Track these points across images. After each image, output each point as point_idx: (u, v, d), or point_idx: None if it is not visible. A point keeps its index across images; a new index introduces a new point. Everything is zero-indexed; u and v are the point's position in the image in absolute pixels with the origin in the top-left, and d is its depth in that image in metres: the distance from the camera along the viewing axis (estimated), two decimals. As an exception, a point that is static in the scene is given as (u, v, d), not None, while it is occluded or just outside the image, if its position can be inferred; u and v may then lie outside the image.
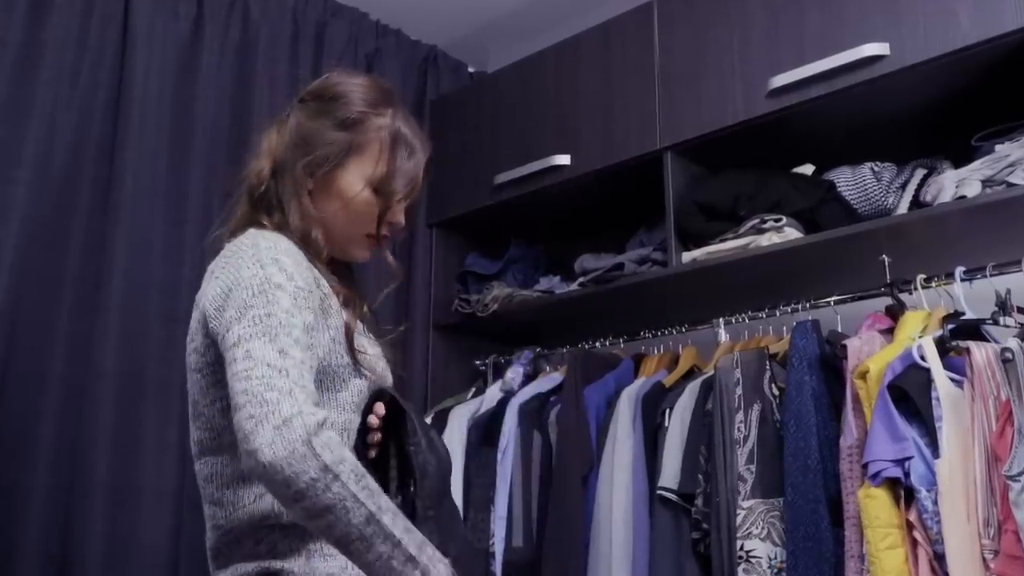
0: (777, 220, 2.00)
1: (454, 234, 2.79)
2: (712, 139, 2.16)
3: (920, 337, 1.85)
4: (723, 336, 2.23)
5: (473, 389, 2.65)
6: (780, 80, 2.01)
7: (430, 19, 2.93)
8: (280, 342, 1.07)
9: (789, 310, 2.13)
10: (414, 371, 2.64)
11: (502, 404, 2.42)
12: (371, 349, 1.30)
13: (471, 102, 2.76)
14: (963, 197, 1.78)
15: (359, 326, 1.31)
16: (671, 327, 2.33)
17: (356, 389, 1.23)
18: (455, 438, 2.38)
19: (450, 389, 2.67)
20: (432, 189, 2.75)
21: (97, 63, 2.16)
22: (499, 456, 2.30)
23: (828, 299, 2.06)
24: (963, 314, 1.84)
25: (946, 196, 1.80)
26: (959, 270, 1.88)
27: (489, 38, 3.08)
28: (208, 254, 1.29)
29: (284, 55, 2.54)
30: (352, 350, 1.23)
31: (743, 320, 2.21)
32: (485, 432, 2.37)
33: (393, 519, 1.03)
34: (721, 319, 2.23)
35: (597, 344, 2.46)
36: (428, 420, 2.48)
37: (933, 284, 1.92)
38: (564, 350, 2.55)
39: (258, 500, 1.15)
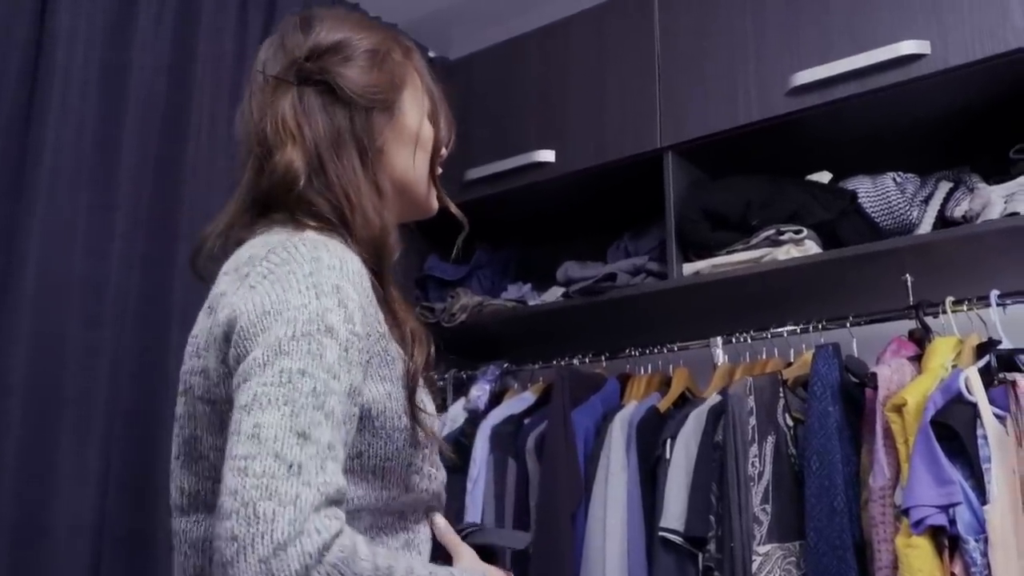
0: (797, 232, 1.81)
1: (414, 233, 2.51)
2: (719, 140, 1.95)
3: (953, 366, 1.68)
4: (720, 356, 2.03)
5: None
6: (804, 77, 1.81)
7: (391, -6, 2.66)
8: (304, 419, 0.77)
9: (798, 330, 1.93)
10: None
11: (470, 425, 2.18)
12: (430, 406, 1.00)
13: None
14: (1016, 214, 1.61)
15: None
16: (661, 344, 2.11)
17: (405, 462, 0.94)
18: (417, 464, 2.11)
19: (406, 406, 2.40)
20: (391, 183, 2.49)
21: (10, 20, 1.82)
22: (469, 485, 2.05)
23: (843, 319, 1.88)
24: (998, 342, 1.68)
25: (993, 212, 1.63)
26: (994, 294, 1.72)
27: (452, 21, 2.82)
28: (205, 258, 1.01)
29: (231, 24, 2.22)
30: (413, 409, 0.94)
31: (744, 339, 2.01)
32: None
33: None
34: (719, 337, 2.03)
35: (575, 361, 2.23)
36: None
37: (963, 308, 1.76)
38: (535, 366, 2.31)
39: None
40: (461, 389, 2.41)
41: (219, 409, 0.89)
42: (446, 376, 2.45)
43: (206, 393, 0.91)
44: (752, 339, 2.00)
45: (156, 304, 1.89)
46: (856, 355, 1.85)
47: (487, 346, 2.49)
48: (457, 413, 2.29)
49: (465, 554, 1.00)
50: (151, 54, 2.03)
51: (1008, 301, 1.71)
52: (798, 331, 1.94)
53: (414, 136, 1.07)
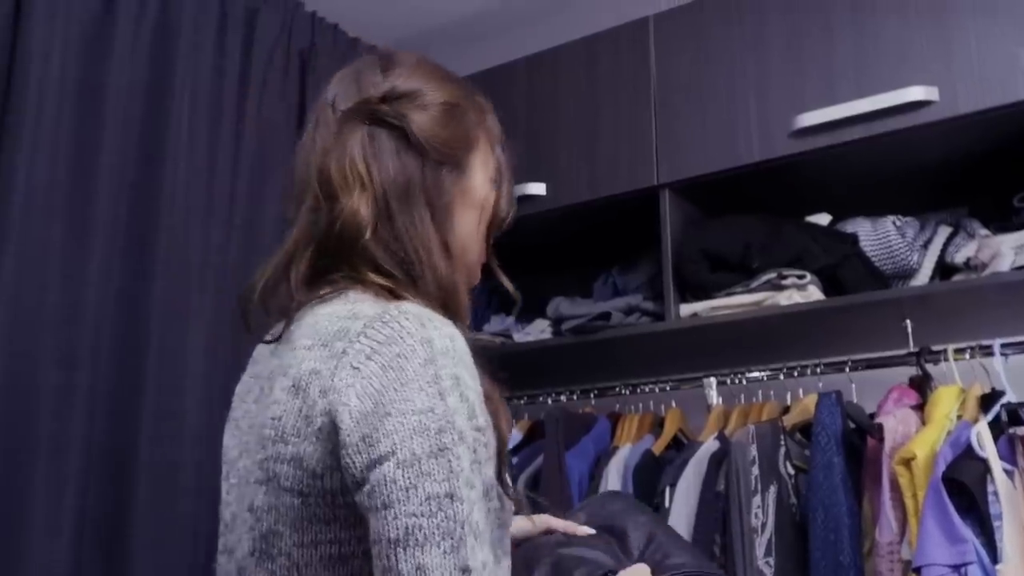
0: (801, 277, 1.77)
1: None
2: (718, 179, 1.92)
3: (958, 417, 1.67)
4: (714, 398, 2.00)
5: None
6: (809, 119, 1.78)
7: (371, 15, 2.59)
8: (464, 553, 0.75)
9: (795, 374, 1.91)
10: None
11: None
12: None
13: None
14: (1025, 268, 1.59)
15: None
16: (652, 383, 2.07)
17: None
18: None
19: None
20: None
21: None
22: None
23: (842, 364, 1.85)
24: (1003, 393, 1.67)
25: (1003, 264, 1.62)
26: (997, 343, 1.70)
27: (436, 43, 2.75)
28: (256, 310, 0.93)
29: (209, 42, 2.13)
30: (503, 487, 0.89)
31: (739, 381, 1.97)
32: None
33: None
34: (713, 378, 1.99)
35: (561, 398, 2.18)
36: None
37: (965, 356, 1.74)
38: (520, 401, 2.25)
39: None
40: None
41: (312, 503, 0.82)
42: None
43: (297, 484, 0.83)
44: (747, 381, 1.97)
45: (133, 340, 1.79)
46: (855, 400, 1.83)
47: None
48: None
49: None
50: (128, 73, 1.93)
51: (1011, 351, 1.70)
52: (795, 374, 1.92)
53: (479, 200, 1.01)
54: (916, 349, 1.79)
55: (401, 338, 0.81)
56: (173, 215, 1.93)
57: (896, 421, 1.67)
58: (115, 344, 1.77)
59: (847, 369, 1.85)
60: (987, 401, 1.67)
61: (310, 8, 2.46)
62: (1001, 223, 1.78)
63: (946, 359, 1.75)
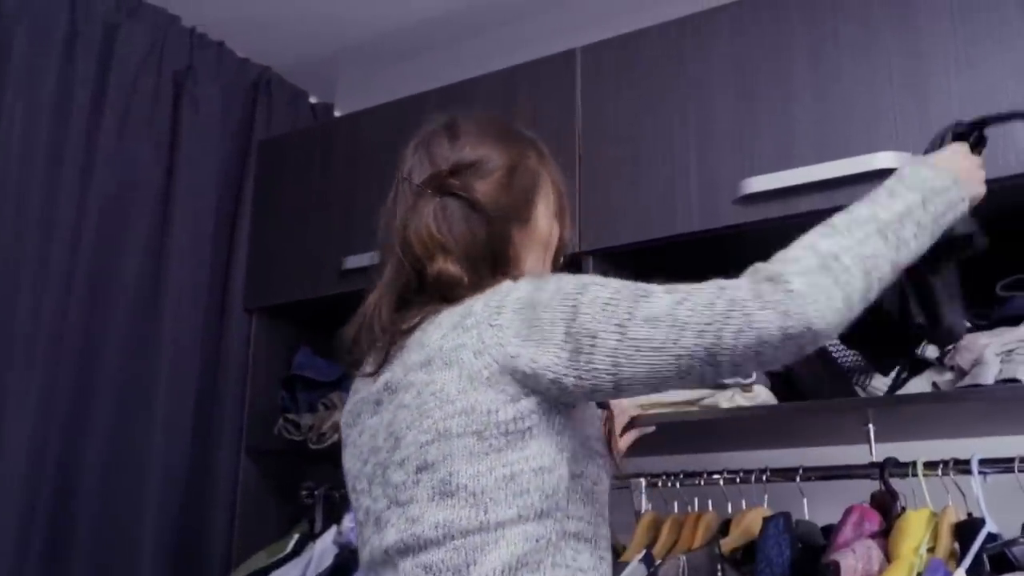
0: (746, 375, 1.48)
1: (282, 323, 2.11)
2: (652, 247, 1.62)
3: (929, 550, 1.39)
4: (644, 503, 1.70)
5: (295, 537, 1.98)
6: (757, 184, 1.49)
7: (264, 33, 2.25)
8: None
9: (738, 480, 1.62)
10: (215, 512, 1.94)
11: (341, 569, 1.79)
12: None
13: (316, 148, 2.09)
14: (1016, 381, 1.31)
15: None
16: (572, 481, 1.76)
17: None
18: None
19: (263, 535, 1.99)
20: (256, 262, 2.08)
21: None
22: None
23: (792, 471, 1.56)
24: (982, 523, 1.39)
25: (986, 375, 1.33)
26: (975, 460, 1.43)
27: (339, 64, 2.43)
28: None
29: (52, 65, 1.79)
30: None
31: (672, 484, 1.68)
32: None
33: (875, 211, 1.00)
34: (642, 479, 1.70)
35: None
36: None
37: (937, 472, 1.46)
38: (423, 491, 1.93)
39: None
40: (334, 510, 2.02)
41: (487, 436, 0.97)
42: (316, 492, 2.04)
43: (472, 426, 0.98)
44: (682, 484, 1.68)
45: None
46: (807, 515, 1.55)
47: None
48: (326, 547, 1.90)
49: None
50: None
51: (990, 469, 1.43)
52: (737, 480, 1.63)
53: (545, 240, 1.15)
54: (879, 460, 1.51)
55: (511, 289, 1.00)
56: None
57: (855, 558, 1.38)
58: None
59: (798, 479, 1.57)
60: (963, 532, 1.39)
61: (188, 23, 2.11)
62: (982, 310, 1.50)
63: (914, 474, 1.47)
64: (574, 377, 0.94)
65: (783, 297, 0.87)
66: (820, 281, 0.89)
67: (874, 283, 0.93)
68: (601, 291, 0.95)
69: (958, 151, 1.15)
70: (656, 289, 0.94)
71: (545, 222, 1.15)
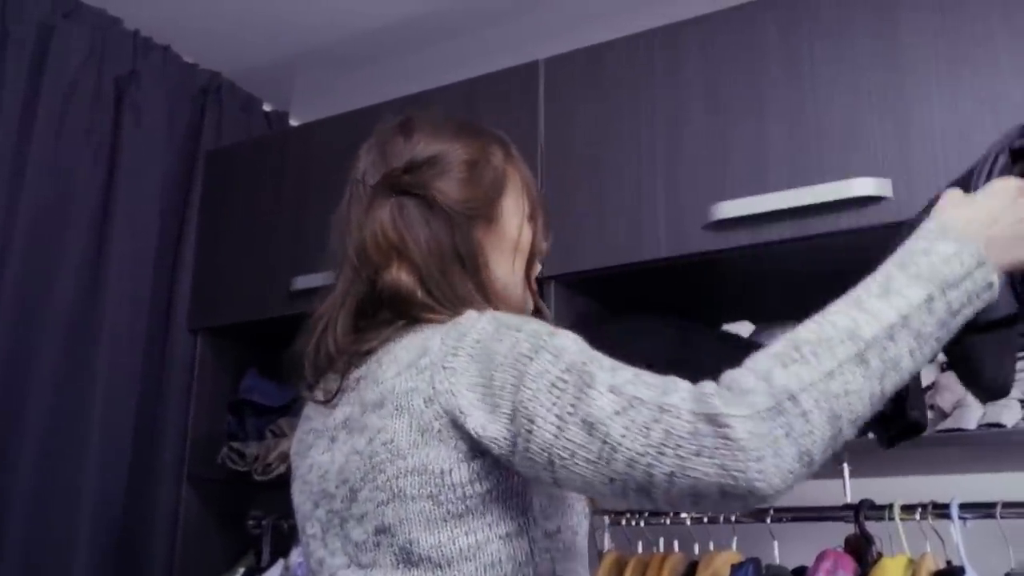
0: (714, 411, 1.39)
1: (228, 344, 2.00)
2: (617, 274, 1.53)
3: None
4: (607, 542, 1.62)
5: (240, 572, 1.88)
6: (728, 210, 1.40)
7: (213, 36, 2.14)
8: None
9: (705, 520, 1.54)
10: (154, 545, 1.83)
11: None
12: None
13: (267, 161, 1.98)
14: (1000, 426, 1.24)
15: None
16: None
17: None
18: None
19: (207, 568, 1.88)
20: (201, 279, 1.97)
21: None
22: None
23: (762, 513, 1.49)
24: (961, 570, 1.32)
25: (968, 420, 1.26)
26: (955, 505, 1.36)
27: (296, 70, 2.32)
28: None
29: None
30: None
31: (636, 524, 1.60)
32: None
33: (856, 324, 0.78)
34: (606, 517, 1.62)
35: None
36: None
37: (915, 516, 1.39)
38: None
39: None
40: (282, 541, 1.91)
41: (443, 501, 0.88)
42: (264, 523, 1.94)
43: (426, 489, 0.88)
44: (647, 523, 1.59)
45: None
46: (778, 559, 1.47)
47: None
48: (274, 582, 1.80)
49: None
50: None
51: (970, 514, 1.36)
52: (704, 520, 1.55)
53: (514, 242, 1.05)
54: (855, 502, 1.44)
55: (470, 327, 0.89)
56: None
57: (829, 610, 1.30)
58: None
59: (768, 520, 1.49)
60: (946, 582, 1.32)
61: (131, 26, 2.00)
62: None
63: (891, 517, 1.40)
64: (517, 460, 0.83)
65: (720, 446, 0.71)
66: (768, 431, 0.71)
67: (844, 427, 0.75)
68: (551, 366, 0.81)
69: (1010, 190, 0.89)
70: (601, 377, 0.79)
71: (514, 222, 1.05)
